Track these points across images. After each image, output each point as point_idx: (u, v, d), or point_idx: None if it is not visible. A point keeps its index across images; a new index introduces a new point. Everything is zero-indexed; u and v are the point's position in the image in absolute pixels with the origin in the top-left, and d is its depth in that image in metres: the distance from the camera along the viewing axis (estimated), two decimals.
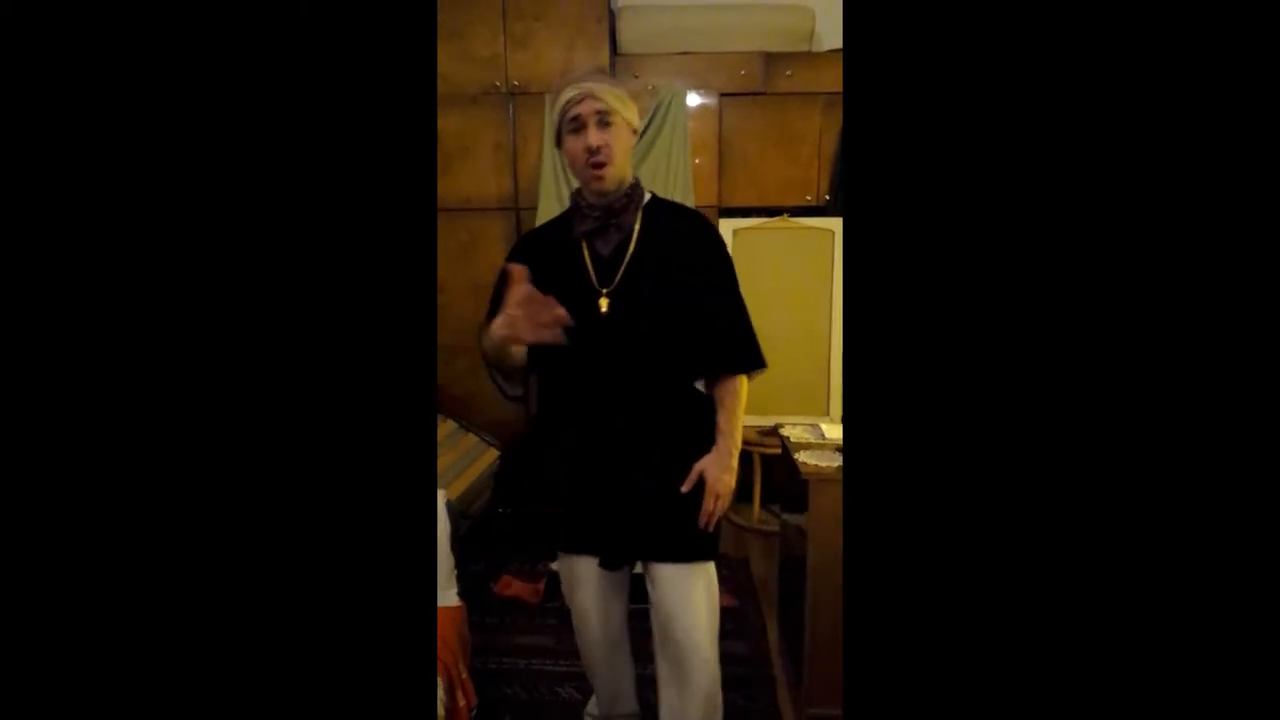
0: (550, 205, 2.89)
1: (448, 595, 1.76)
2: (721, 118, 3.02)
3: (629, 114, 1.38)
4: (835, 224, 2.97)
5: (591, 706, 1.85)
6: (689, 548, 1.46)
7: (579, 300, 1.35)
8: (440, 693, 1.61)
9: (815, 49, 3.18)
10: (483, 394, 3.04)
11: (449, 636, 1.69)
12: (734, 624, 2.33)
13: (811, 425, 2.14)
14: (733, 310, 1.46)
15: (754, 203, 3.08)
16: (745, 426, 1.53)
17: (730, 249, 1.58)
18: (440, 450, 2.73)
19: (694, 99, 3.00)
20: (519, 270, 1.26)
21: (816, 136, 3.04)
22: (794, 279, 2.99)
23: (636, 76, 2.98)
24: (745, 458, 1.52)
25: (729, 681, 1.55)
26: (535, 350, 1.40)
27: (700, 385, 1.50)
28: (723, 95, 3.00)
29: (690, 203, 2.87)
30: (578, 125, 1.36)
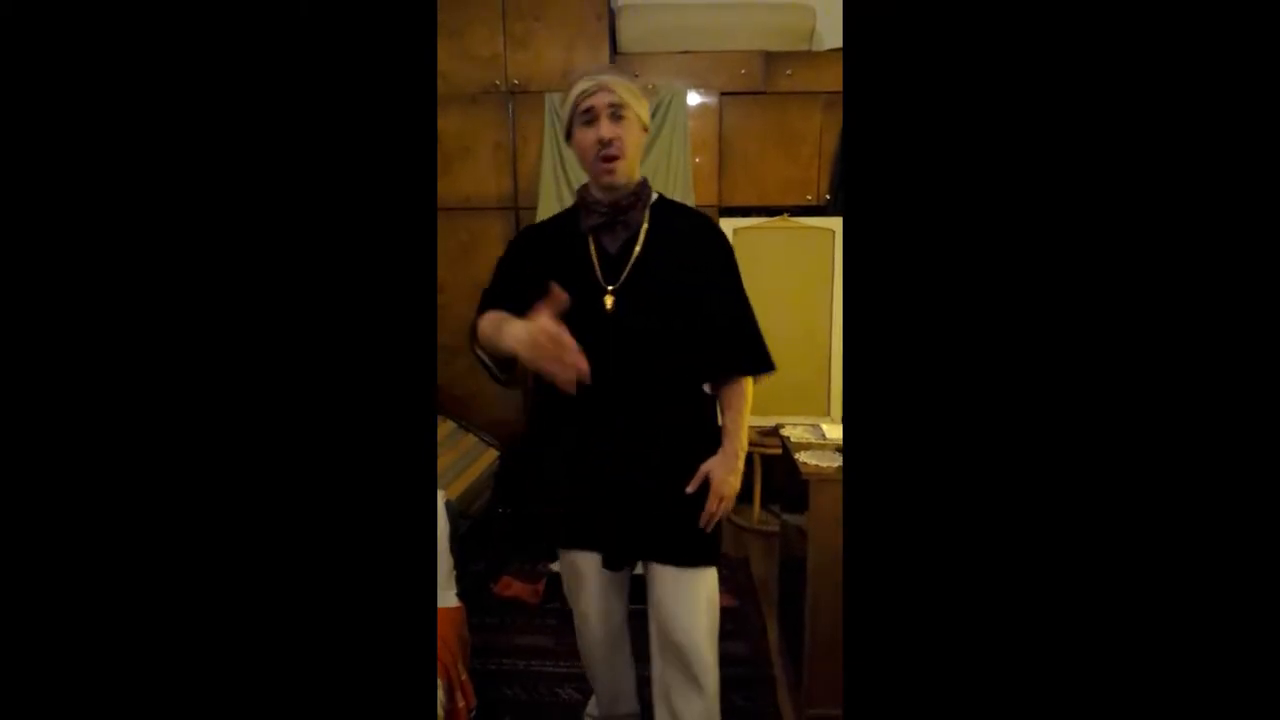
0: (550, 205, 2.89)
1: (447, 596, 1.76)
2: (721, 117, 3.02)
3: (641, 110, 1.38)
4: (835, 224, 2.97)
5: (591, 707, 1.85)
6: (690, 551, 1.45)
7: (583, 296, 1.35)
8: (440, 694, 1.61)
9: (816, 48, 3.18)
10: (483, 394, 3.04)
11: (449, 637, 1.69)
12: (734, 624, 2.33)
13: (812, 425, 2.14)
14: (740, 312, 1.46)
15: (754, 202, 3.08)
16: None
17: None
18: (440, 450, 2.73)
19: (694, 98, 3.00)
20: (562, 298, 1.22)
21: (817, 136, 3.04)
22: (794, 279, 2.99)
23: (636, 76, 2.98)
24: (746, 458, 1.51)
25: (729, 682, 1.55)
26: None
27: (705, 386, 1.50)
28: (723, 94, 3.00)
29: (690, 202, 2.87)
30: (590, 117, 1.34)
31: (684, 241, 1.43)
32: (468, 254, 3.04)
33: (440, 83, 2.91)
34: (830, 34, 3.19)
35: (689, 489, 1.42)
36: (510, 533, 2.84)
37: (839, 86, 2.91)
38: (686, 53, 3.01)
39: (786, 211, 3.02)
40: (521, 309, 1.29)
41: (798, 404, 2.95)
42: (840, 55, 2.94)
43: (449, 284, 2.94)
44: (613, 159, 1.35)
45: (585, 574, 1.54)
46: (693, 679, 1.49)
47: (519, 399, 3.12)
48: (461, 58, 2.97)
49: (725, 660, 1.57)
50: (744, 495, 1.49)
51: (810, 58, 3.03)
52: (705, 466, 1.42)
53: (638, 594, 1.59)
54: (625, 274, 1.40)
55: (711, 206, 3.04)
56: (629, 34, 3.05)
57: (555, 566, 2.39)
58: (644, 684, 1.70)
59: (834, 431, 2.05)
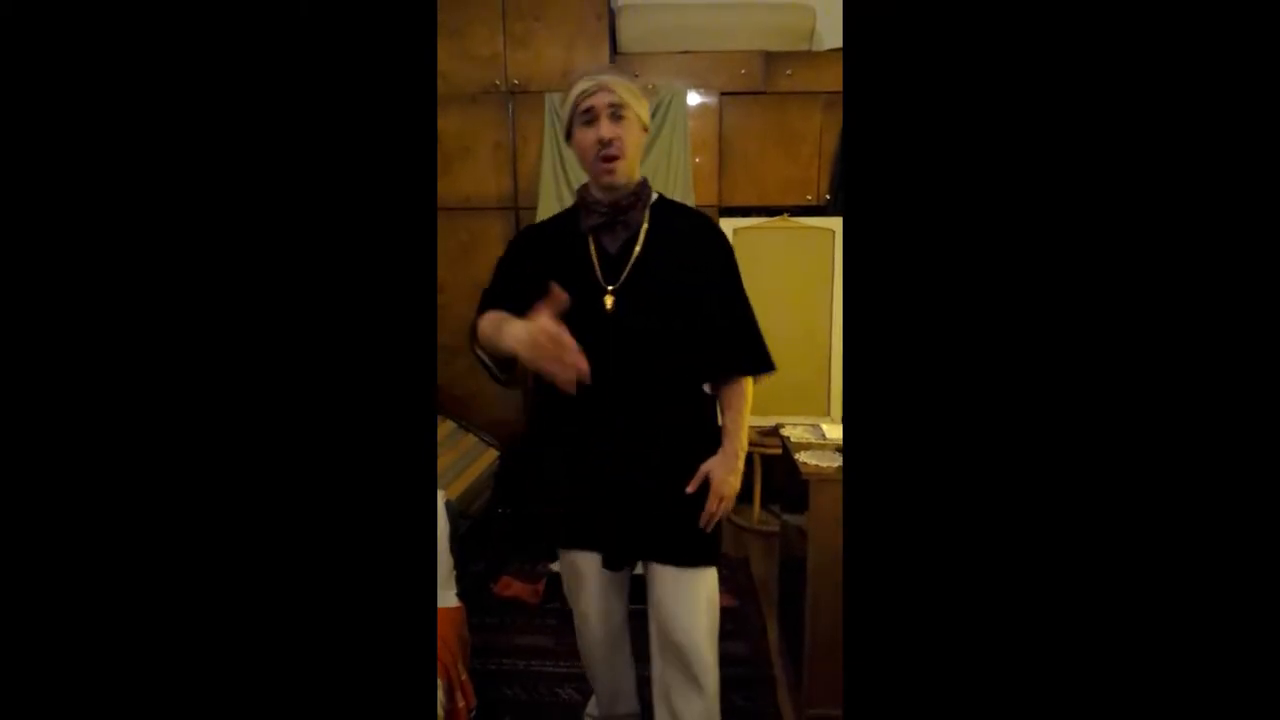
0: (550, 205, 2.89)
1: (447, 596, 1.76)
2: (721, 117, 3.02)
3: (641, 110, 1.38)
4: (835, 224, 2.97)
5: (591, 707, 1.84)
6: (691, 551, 1.45)
7: (583, 296, 1.35)
8: (439, 694, 1.61)
9: (816, 48, 3.18)
10: (483, 394, 3.04)
11: (448, 637, 1.69)
12: (734, 624, 2.33)
13: (812, 425, 2.14)
14: (740, 312, 1.46)
15: (754, 202, 3.08)
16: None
17: None
18: (440, 450, 2.73)
19: (694, 98, 3.00)
20: (562, 298, 1.22)
21: (817, 136, 3.04)
22: (794, 279, 2.99)
23: (636, 75, 2.98)
24: (746, 458, 1.52)
25: (729, 682, 1.55)
26: None
27: (705, 386, 1.50)
28: (723, 94, 3.00)
29: (690, 202, 2.87)
30: (590, 117, 1.34)
31: (684, 241, 1.43)
32: (468, 254, 3.04)
33: (440, 83, 2.91)
34: (830, 34, 3.19)
35: (689, 489, 1.42)
36: (510, 533, 2.84)
37: (839, 86, 2.91)
38: (686, 53, 3.01)
39: (786, 211, 3.02)
40: (521, 309, 1.28)
41: (798, 404, 2.95)
42: (840, 55, 2.94)
43: (449, 284, 2.94)
44: (613, 159, 1.35)
45: (585, 574, 1.54)
46: (693, 679, 1.49)
47: (519, 399, 3.12)
48: (461, 57, 2.97)
49: (725, 660, 1.57)
50: (744, 495, 1.49)
51: (810, 58, 3.03)
52: (705, 466, 1.42)
53: (638, 594, 1.59)
54: (625, 274, 1.40)
55: (711, 206, 3.04)
56: (629, 34, 3.05)
57: (555, 566, 2.39)
58: (644, 684, 1.70)
59: (834, 431, 2.05)
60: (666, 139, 2.91)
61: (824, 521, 1.79)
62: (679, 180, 2.93)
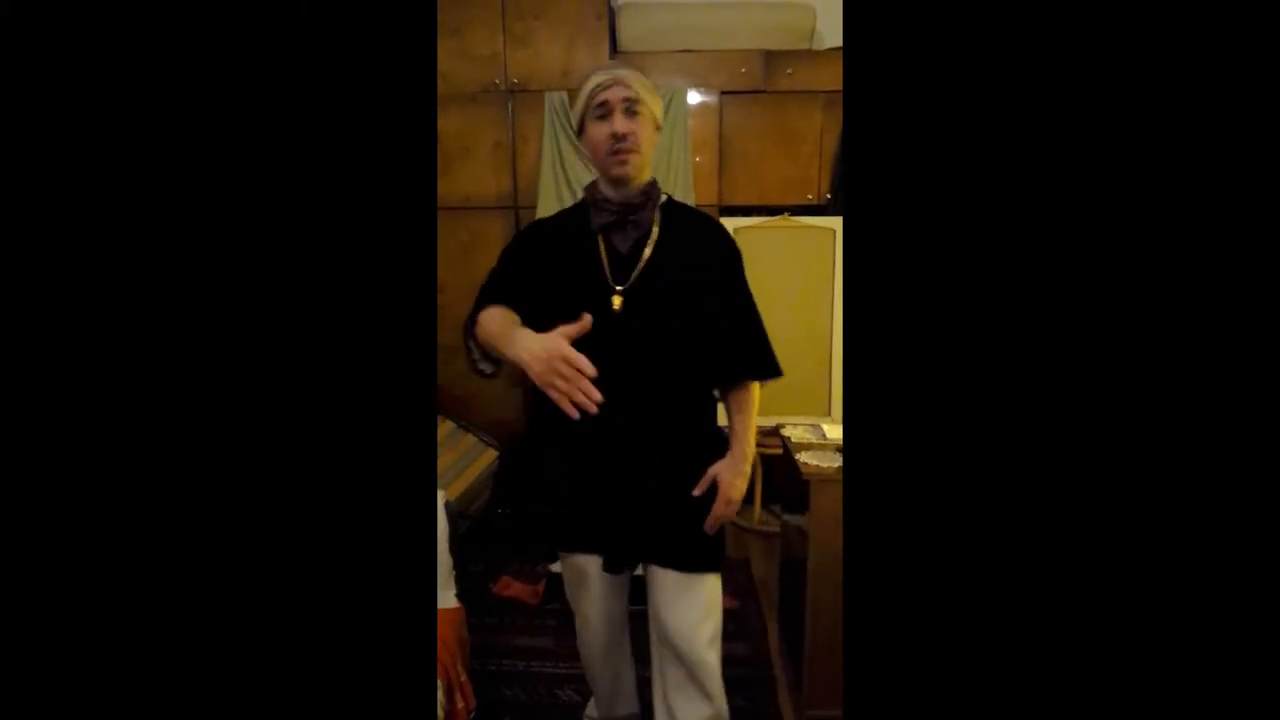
0: (549, 204, 2.89)
1: (446, 596, 1.76)
2: (722, 116, 3.02)
3: (655, 107, 1.37)
4: (835, 223, 2.97)
5: (591, 709, 1.84)
6: (693, 555, 1.44)
7: (590, 295, 1.34)
8: (439, 694, 1.61)
9: (816, 47, 3.18)
10: (483, 394, 3.04)
11: (448, 638, 1.69)
12: (735, 625, 2.33)
13: (812, 425, 2.14)
14: (749, 317, 1.46)
15: (754, 201, 3.08)
16: None
17: None
18: (439, 450, 2.73)
19: (694, 97, 3.00)
20: (588, 325, 1.20)
21: (817, 135, 3.04)
22: (794, 278, 2.99)
23: None
24: None
25: (729, 682, 1.54)
26: None
27: (715, 391, 1.49)
28: (723, 93, 3.00)
29: (690, 201, 2.87)
30: (604, 111, 1.33)
31: (693, 244, 1.42)
32: (468, 254, 3.04)
33: (440, 82, 2.91)
34: (830, 33, 3.19)
35: (696, 492, 1.41)
36: (510, 533, 2.83)
37: (839, 86, 2.91)
38: (686, 52, 3.01)
39: (787, 211, 3.01)
40: (524, 306, 1.27)
41: (798, 404, 2.94)
42: (840, 55, 2.94)
43: (449, 284, 2.94)
44: (626, 152, 1.33)
45: (587, 576, 1.53)
46: (697, 685, 1.47)
47: (519, 399, 3.12)
48: (461, 57, 2.97)
49: (726, 661, 1.57)
50: (745, 496, 1.49)
51: (810, 57, 3.03)
52: (713, 470, 1.41)
53: (638, 594, 1.59)
54: (635, 275, 1.38)
55: (712, 206, 3.04)
56: (629, 33, 3.05)
57: (555, 567, 2.39)
58: (644, 684, 1.70)
59: (834, 431, 2.05)
60: (666, 138, 2.91)
61: (824, 522, 1.79)
62: (679, 179, 2.93)
